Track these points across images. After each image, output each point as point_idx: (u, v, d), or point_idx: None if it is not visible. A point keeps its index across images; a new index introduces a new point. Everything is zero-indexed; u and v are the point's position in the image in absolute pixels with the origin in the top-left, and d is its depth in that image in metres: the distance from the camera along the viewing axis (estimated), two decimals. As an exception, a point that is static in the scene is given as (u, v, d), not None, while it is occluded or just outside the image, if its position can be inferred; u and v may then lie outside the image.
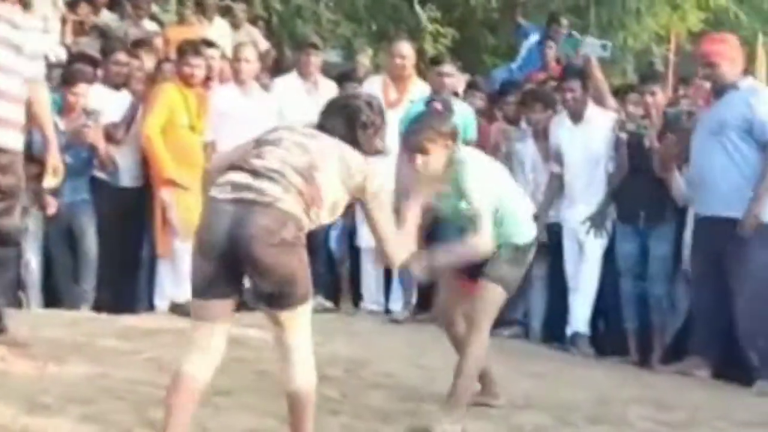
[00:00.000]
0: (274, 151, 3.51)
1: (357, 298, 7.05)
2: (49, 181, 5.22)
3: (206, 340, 3.50)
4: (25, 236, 6.30)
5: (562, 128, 6.52)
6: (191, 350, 3.51)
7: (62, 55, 7.68)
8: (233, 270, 3.42)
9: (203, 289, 3.44)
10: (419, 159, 4.25)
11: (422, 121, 4.45)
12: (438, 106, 5.01)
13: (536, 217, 6.52)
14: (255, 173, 3.44)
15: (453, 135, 4.32)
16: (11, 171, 4.84)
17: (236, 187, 3.43)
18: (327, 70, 7.61)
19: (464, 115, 6.75)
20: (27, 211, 6.25)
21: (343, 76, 7.56)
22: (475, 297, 4.41)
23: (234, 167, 3.52)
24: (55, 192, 6.25)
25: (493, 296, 4.41)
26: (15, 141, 4.88)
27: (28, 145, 6.15)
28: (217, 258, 3.37)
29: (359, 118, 3.68)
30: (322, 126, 3.68)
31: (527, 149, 6.76)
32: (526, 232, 4.53)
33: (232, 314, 3.53)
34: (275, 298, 3.46)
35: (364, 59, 9.59)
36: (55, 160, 5.14)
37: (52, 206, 6.30)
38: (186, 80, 6.55)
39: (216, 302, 3.45)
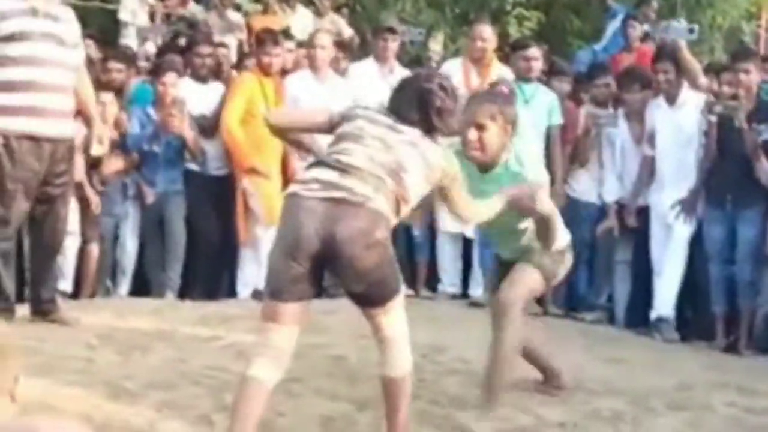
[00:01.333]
0: (358, 147, 3.45)
1: (434, 282, 7.03)
2: (96, 149, 5.52)
3: (278, 345, 3.45)
4: (125, 221, 6.52)
5: (657, 110, 6.40)
6: (262, 354, 3.46)
7: (150, 48, 7.88)
8: (317, 271, 3.39)
9: (283, 290, 3.38)
10: (473, 133, 4.01)
11: (485, 96, 4.33)
12: (504, 88, 4.91)
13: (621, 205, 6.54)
14: (343, 171, 3.38)
15: (514, 121, 4.08)
16: (65, 159, 5.11)
17: (324, 185, 3.36)
18: (400, 56, 7.56)
19: (549, 100, 6.68)
20: (125, 197, 6.49)
21: (413, 63, 7.53)
22: (511, 279, 4.24)
23: (319, 163, 3.48)
24: (151, 182, 6.46)
25: (529, 278, 4.24)
26: (71, 130, 5.17)
27: (122, 140, 6.45)
28: (304, 259, 3.31)
29: (433, 103, 3.58)
30: (396, 111, 3.62)
31: (619, 132, 6.65)
32: (562, 236, 4.34)
33: (306, 316, 3.50)
34: (367, 298, 3.46)
35: (435, 45, 9.53)
36: (99, 130, 5.41)
37: (150, 196, 6.50)
38: (264, 69, 6.62)
39: (294, 305, 3.41)
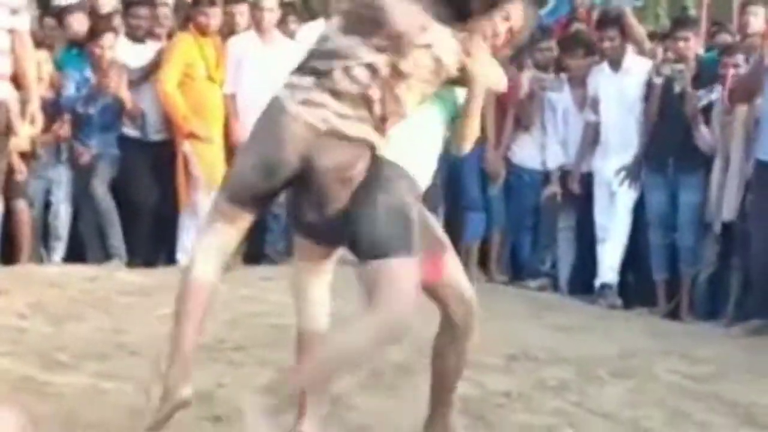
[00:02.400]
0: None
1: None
2: (26, 130, 5.29)
3: (224, 245, 3.15)
4: (58, 186, 6.32)
5: (601, 75, 6.38)
6: (206, 253, 3.14)
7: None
8: (278, 192, 3.13)
9: (241, 198, 3.08)
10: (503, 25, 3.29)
11: None
12: None
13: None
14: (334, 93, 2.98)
15: None
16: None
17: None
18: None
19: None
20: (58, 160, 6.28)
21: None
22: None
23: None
24: (85, 146, 6.27)
25: None
26: (3, 92, 4.96)
27: (56, 100, 6.23)
28: (277, 177, 3.01)
29: None
30: None
31: (561, 98, 6.62)
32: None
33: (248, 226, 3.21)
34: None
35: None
36: (33, 109, 5.18)
37: (85, 155, 6.29)
38: (201, 29, 6.44)
39: (248, 215, 3.14)
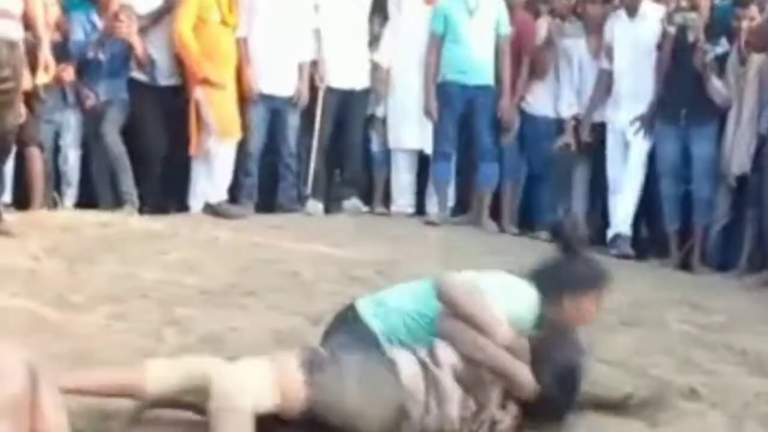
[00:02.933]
0: None
1: (391, 199, 6.95)
2: (41, 78, 5.27)
3: None
4: (66, 130, 6.29)
5: (617, 22, 6.31)
6: None
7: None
8: None
9: None
10: None
11: None
12: None
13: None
14: None
15: None
16: (10, 64, 4.87)
17: None
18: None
19: (496, 9, 6.57)
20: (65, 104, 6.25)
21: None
22: None
23: None
24: (93, 92, 6.23)
25: None
26: (15, 32, 4.92)
27: (64, 44, 6.17)
28: None
29: None
30: None
31: (577, 46, 6.55)
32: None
33: None
34: None
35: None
36: (45, 56, 5.17)
37: (90, 99, 6.25)
38: (216, -27, 6.36)
39: None
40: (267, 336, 3.95)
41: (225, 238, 5.59)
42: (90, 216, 5.83)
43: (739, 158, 5.72)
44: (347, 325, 3.19)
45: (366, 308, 3.18)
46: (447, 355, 2.96)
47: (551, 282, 3.18)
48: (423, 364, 2.92)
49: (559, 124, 6.60)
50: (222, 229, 5.79)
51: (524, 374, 2.97)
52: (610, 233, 6.20)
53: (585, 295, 3.23)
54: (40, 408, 1.92)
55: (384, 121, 6.87)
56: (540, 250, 6.17)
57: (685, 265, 5.93)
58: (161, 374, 2.83)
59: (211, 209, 6.24)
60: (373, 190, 6.95)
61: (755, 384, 3.73)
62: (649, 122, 6.12)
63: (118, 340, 3.77)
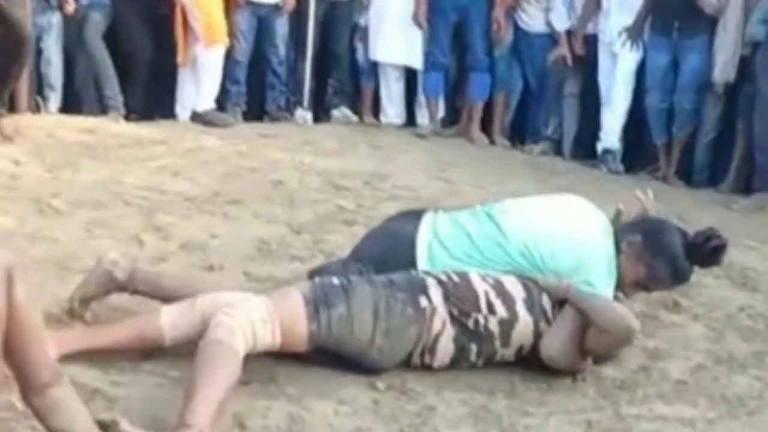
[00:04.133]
0: None
1: (380, 109, 6.85)
2: None
3: None
4: (48, 33, 6.15)
5: None
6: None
7: None
8: None
9: None
10: None
11: None
12: None
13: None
14: None
15: None
16: None
17: None
18: None
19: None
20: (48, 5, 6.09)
21: None
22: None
23: None
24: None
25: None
26: None
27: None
28: None
29: None
30: None
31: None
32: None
33: None
34: None
35: None
36: None
37: (70, 5, 6.10)
38: None
39: None
40: (249, 244, 3.92)
41: (211, 146, 5.52)
42: (74, 121, 5.74)
43: (723, 65, 5.63)
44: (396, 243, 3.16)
45: (424, 230, 3.16)
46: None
47: (651, 239, 3.16)
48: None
49: (553, 39, 6.47)
50: (209, 138, 5.71)
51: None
52: (599, 147, 6.13)
53: (653, 276, 3.17)
54: (16, 306, 1.88)
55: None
56: (531, 162, 6.19)
57: (674, 178, 5.89)
58: (175, 322, 2.76)
59: (198, 117, 6.15)
60: (360, 100, 6.84)
61: (738, 297, 3.74)
62: (636, 34, 5.99)
63: (98, 245, 3.72)
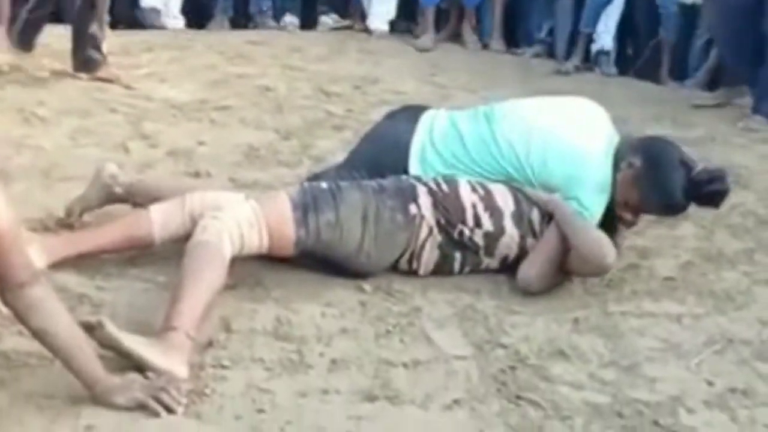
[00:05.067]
0: None
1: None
2: None
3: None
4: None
5: None
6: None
7: None
8: None
9: None
10: None
11: None
12: None
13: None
14: None
15: None
16: None
17: None
18: None
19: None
20: None
21: None
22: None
23: None
24: None
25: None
26: None
27: None
28: None
29: None
30: None
31: None
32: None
33: None
34: None
35: None
36: None
37: None
38: None
39: None
40: (237, 150, 3.89)
41: (198, 53, 5.44)
42: (60, 30, 5.62)
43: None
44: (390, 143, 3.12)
45: (419, 133, 3.09)
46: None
47: (652, 166, 2.94)
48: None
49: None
50: (196, 45, 5.62)
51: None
52: (593, 49, 6.04)
53: (644, 204, 2.97)
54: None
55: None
56: (524, 66, 6.11)
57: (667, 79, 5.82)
58: (164, 221, 2.75)
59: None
60: (349, 3, 6.69)
61: (729, 196, 3.70)
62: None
63: (83, 153, 3.70)
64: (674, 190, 2.90)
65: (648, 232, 3.31)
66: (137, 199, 2.99)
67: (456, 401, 2.24)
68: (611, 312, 2.75)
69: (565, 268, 2.86)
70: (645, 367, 2.47)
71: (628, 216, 3.00)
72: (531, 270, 2.83)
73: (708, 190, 2.89)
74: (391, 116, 3.35)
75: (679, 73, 5.83)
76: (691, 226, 3.39)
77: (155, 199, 2.91)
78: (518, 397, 2.28)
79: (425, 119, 3.14)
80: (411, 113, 3.23)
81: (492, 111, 3.11)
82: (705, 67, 5.66)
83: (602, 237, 2.82)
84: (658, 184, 2.91)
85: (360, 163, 3.13)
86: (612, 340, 2.60)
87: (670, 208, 2.98)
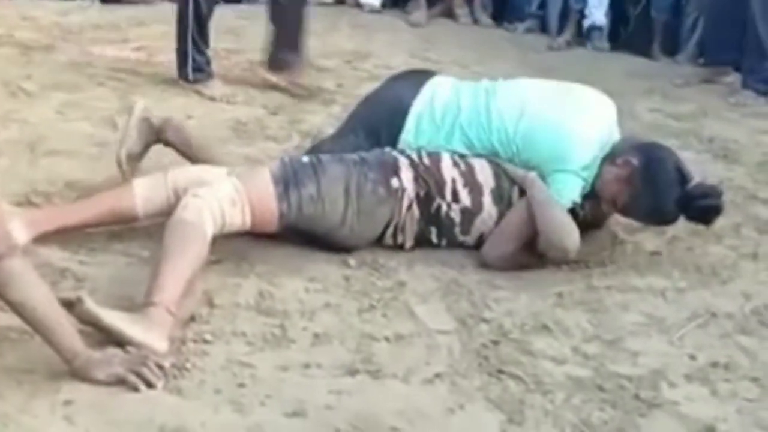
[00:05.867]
0: None
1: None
2: None
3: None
4: None
5: None
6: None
7: None
8: None
9: None
10: None
11: None
12: None
13: None
14: None
15: None
16: None
17: None
18: None
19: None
20: None
21: None
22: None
23: None
24: None
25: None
26: None
27: None
28: None
29: None
30: None
31: None
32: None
33: None
34: None
35: None
36: None
37: None
38: None
39: None
40: (225, 125, 3.88)
41: (189, 28, 5.40)
42: (50, 4, 5.61)
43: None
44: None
45: (421, 99, 3.05)
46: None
47: (648, 172, 2.84)
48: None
49: None
50: (186, 20, 5.58)
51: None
52: (585, 23, 5.99)
53: (631, 207, 2.90)
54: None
55: None
56: (516, 41, 6.07)
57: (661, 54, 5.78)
58: (148, 195, 2.76)
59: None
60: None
61: (718, 170, 3.71)
62: None
63: (71, 128, 3.70)
64: (666, 198, 2.81)
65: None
66: (170, 136, 3.08)
67: (437, 375, 2.24)
68: (596, 286, 2.75)
69: (536, 249, 2.83)
70: (628, 341, 2.47)
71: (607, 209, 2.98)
72: (492, 251, 2.83)
73: (700, 204, 2.81)
74: (395, 79, 3.34)
75: (671, 48, 5.80)
76: (679, 201, 3.38)
77: (185, 142, 3.06)
78: (500, 371, 2.28)
79: (429, 87, 3.10)
80: (416, 79, 3.19)
81: (494, 86, 3.09)
82: (693, 39, 5.62)
83: (568, 222, 2.79)
84: (652, 188, 2.82)
85: (359, 124, 3.13)
86: (596, 315, 2.60)
87: (658, 214, 2.88)
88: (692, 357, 2.41)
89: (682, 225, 3.18)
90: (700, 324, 2.58)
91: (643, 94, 4.74)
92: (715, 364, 2.37)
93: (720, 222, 3.22)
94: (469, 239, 2.90)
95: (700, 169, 3.28)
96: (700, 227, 3.15)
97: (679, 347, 2.46)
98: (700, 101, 4.65)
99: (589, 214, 2.96)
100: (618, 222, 3.13)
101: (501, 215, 2.87)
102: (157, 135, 3.07)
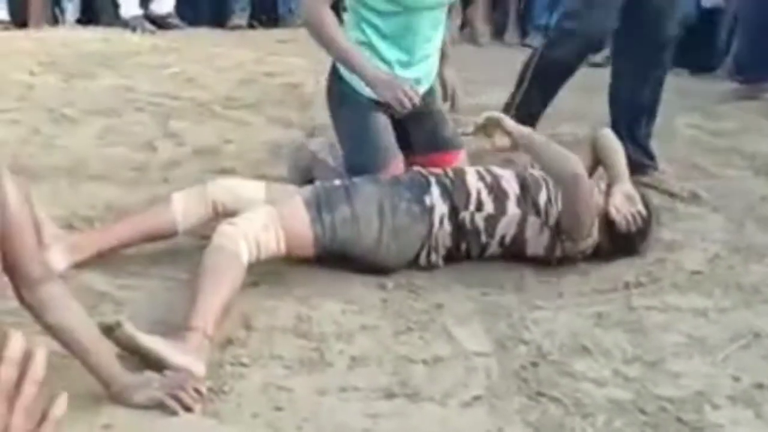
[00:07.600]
0: None
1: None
2: None
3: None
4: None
5: None
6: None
7: None
8: None
9: None
10: None
11: None
12: None
13: None
14: None
15: None
16: None
17: None
18: None
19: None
20: None
21: None
22: None
23: None
24: None
25: None
26: None
27: None
28: None
29: None
30: None
31: None
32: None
33: None
34: None
35: None
36: None
37: None
38: None
39: None
40: (262, 148, 3.90)
41: (226, 53, 5.46)
42: (90, 32, 5.69)
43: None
44: None
45: None
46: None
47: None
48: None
49: None
50: (225, 45, 5.64)
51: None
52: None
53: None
54: (5, 203, 1.87)
55: None
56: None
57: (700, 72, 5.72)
58: (186, 209, 2.80)
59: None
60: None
61: (761, 187, 3.65)
62: None
63: (111, 152, 3.74)
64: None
65: (676, 225, 3.26)
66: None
67: (475, 398, 2.22)
68: (635, 306, 2.71)
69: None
70: (669, 362, 2.43)
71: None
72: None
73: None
74: None
75: (707, 64, 5.74)
76: (721, 218, 3.34)
77: None
78: (539, 394, 2.25)
79: None
80: None
81: None
82: (732, 53, 5.56)
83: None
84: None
85: None
86: (636, 336, 2.56)
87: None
88: (736, 378, 2.36)
89: (722, 242, 3.15)
90: (743, 345, 2.53)
91: (685, 111, 4.69)
92: (759, 386, 2.33)
93: (762, 240, 3.19)
94: (493, 242, 2.89)
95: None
96: (742, 245, 3.12)
97: (722, 368, 2.41)
98: (740, 119, 4.59)
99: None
100: (660, 240, 3.09)
101: (524, 216, 2.87)
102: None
